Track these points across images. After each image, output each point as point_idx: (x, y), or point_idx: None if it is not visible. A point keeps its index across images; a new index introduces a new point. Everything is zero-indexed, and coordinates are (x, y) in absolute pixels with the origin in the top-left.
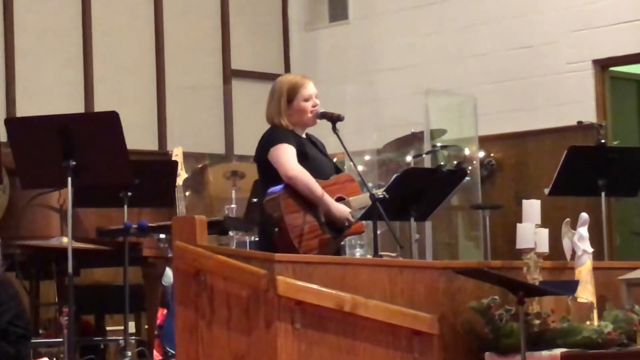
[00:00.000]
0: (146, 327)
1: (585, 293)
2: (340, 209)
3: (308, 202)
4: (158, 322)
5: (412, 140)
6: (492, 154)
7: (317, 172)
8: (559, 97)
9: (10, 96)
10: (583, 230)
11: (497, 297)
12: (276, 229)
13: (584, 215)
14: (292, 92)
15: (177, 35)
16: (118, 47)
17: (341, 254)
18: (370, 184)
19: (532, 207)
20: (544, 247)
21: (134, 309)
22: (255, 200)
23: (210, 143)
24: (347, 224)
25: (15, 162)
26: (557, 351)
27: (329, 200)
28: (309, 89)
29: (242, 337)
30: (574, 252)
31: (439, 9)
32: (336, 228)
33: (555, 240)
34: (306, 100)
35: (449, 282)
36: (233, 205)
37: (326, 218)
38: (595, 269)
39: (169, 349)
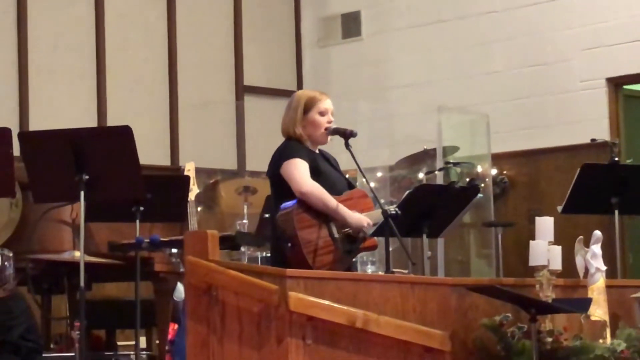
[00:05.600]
0: (157, 342)
1: (598, 311)
2: (357, 217)
3: (321, 218)
4: (169, 337)
5: (424, 157)
6: (504, 172)
7: (330, 188)
8: (572, 114)
9: (23, 110)
10: (596, 248)
11: (509, 314)
12: (289, 245)
13: (597, 233)
14: (309, 104)
15: (190, 51)
16: (131, 62)
17: (352, 271)
18: (382, 200)
19: (545, 224)
20: (556, 264)
21: (145, 324)
22: (267, 215)
23: (222, 158)
24: (362, 234)
25: (28, 176)
26: None
27: (345, 210)
28: (326, 103)
29: (253, 352)
30: (587, 270)
31: (452, 26)
32: (350, 242)
33: (568, 258)
34: (322, 114)
35: (461, 299)
36: (245, 221)
37: (342, 231)
38: (608, 287)
39: None
